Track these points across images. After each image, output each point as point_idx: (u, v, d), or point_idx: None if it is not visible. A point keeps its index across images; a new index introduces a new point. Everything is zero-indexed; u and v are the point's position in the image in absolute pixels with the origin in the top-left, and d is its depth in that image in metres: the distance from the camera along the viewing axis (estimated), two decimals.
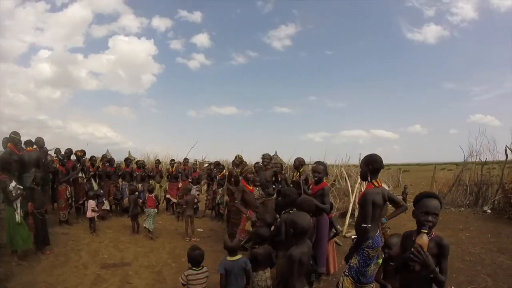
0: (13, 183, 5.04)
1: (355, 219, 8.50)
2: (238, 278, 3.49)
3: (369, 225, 3.20)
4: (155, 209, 7.45)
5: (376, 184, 3.36)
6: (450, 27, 51.56)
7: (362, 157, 3.70)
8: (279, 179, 6.83)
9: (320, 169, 4.71)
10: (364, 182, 4.65)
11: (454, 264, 5.46)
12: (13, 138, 6.44)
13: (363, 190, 8.46)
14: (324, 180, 4.84)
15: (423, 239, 2.33)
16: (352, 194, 8.67)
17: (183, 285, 3.61)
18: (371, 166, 3.37)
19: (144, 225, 7.24)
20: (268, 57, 59.52)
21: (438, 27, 52.28)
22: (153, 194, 7.70)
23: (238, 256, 3.58)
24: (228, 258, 3.56)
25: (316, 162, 5.15)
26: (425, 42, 52.83)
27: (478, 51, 60.54)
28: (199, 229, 7.83)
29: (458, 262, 5.62)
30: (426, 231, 2.35)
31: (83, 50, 53.93)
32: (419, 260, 2.25)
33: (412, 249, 2.31)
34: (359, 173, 7.40)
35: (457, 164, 14.92)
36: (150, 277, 5.05)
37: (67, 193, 7.80)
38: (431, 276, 2.29)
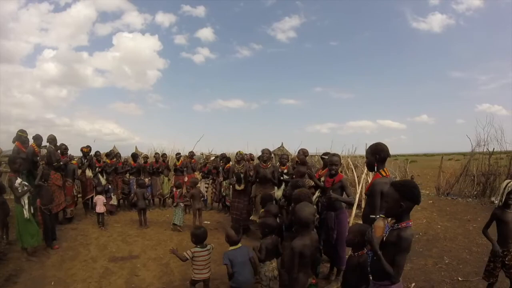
0: (19, 180, 5.09)
1: (362, 210, 8.56)
2: (244, 267, 3.61)
3: (378, 216, 3.18)
4: (182, 203, 7.57)
5: (384, 174, 3.30)
6: (456, 15, 50.62)
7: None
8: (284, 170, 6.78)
9: (337, 161, 4.51)
10: (371, 172, 4.54)
11: (461, 255, 5.43)
12: (20, 136, 6.50)
13: (369, 180, 8.52)
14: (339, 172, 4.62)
15: (379, 223, 2.43)
16: (359, 185, 8.63)
17: (186, 259, 3.84)
18: (378, 155, 3.31)
19: (174, 222, 7.35)
20: (273, 49, 59.15)
21: (443, 16, 51.42)
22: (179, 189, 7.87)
23: (239, 245, 3.75)
24: (230, 248, 3.72)
25: (332, 154, 4.89)
26: (431, 31, 51.99)
27: (484, 40, 59.41)
28: (206, 222, 7.86)
29: (466, 253, 5.56)
30: (383, 216, 2.44)
31: (88, 48, 54.05)
32: (367, 240, 2.42)
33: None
34: (365, 164, 7.34)
35: (464, 154, 14.74)
36: (157, 269, 5.09)
37: (74, 191, 7.95)
38: (374, 259, 2.39)
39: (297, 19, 54.97)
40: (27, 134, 6.68)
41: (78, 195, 8.58)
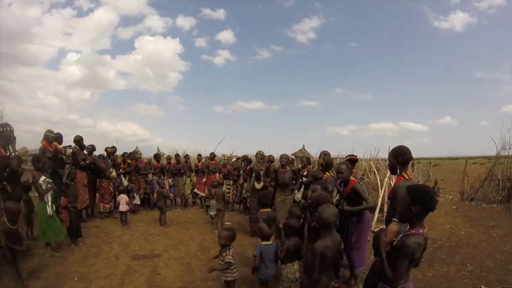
0: (43, 178, 5.17)
1: (384, 214, 8.30)
2: (269, 263, 3.82)
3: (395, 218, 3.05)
4: (214, 200, 7.55)
5: (407, 177, 3.24)
6: (478, 13, 49.11)
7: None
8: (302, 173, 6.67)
9: (343, 169, 4.29)
10: (394, 175, 4.35)
11: (484, 263, 5.19)
12: (47, 136, 6.63)
13: (392, 184, 8.25)
14: (351, 178, 4.37)
15: (393, 226, 2.42)
16: (381, 189, 8.42)
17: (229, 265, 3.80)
18: (400, 158, 3.26)
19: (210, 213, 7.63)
20: (292, 51, 59.02)
21: (465, 14, 50.01)
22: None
23: (270, 242, 3.92)
24: (263, 243, 3.87)
25: (340, 162, 4.82)
26: (452, 30, 50.62)
27: (507, 38, 57.16)
28: (227, 223, 7.79)
29: (489, 260, 5.29)
30: (397, 220, 2.41)
31: (111, 52, 55.82)
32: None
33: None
34: (388, 167, 7.09)
35: (489, 157, 14.12)
36: (179, 268, 5.06)
37: (111, 188, 8.16)
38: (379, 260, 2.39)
39: (316, 20, 54.81)
40: (54, 134, 6.81)
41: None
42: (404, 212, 2.30)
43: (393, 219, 2.50)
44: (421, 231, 2.25)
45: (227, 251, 3.74)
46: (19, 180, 5.18)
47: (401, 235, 2.35)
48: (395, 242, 2.36)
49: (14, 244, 4.04)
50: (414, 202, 2.23)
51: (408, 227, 2.32)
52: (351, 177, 4.34)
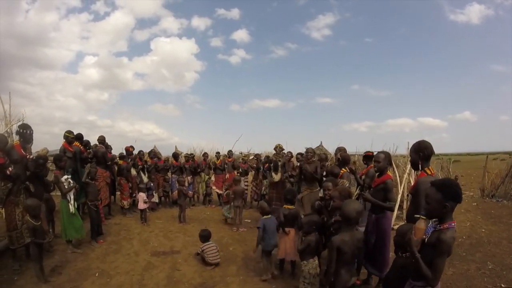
0: (65, 177, 5.27)
1: (403, 211, 8.14)
2: (274, 233, 4.64)
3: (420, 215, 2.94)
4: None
5: (429, 172, 3.16)
6: (494, 5, 47.46)
7: (410, 146, 3.41)
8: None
9: (381, 157, 4.05)
10: (415, 172, 4.19)
11: (505, 261, 5.04)
12: (67, 137, 6.77)
13: (411, 180, 8.05)
14: (388, 172, 4.17)
15: (420, 224, 2.39)
16: (401, 185, 8.28)
17: (198, 254, 5.16)
18: (422, 153, 3.21)
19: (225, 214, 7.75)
20: (308, 48, 58.69)
21: (481, 6, 48.50)
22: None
23: (270, 216, 4.78)
24: (265, 217, 4.75)
25: (379, 152, 4.54)
26: (469, 23, 49.16)
27: None
28: (246, 220, 7.78)
29: (510, 258, 5.13)
30: (424, 218, 2.38)
31: (128, 54, 57.07)
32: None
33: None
34: (409, 162, 6.90)
35: (510, 153, 13.61)
36: (198, 265, 5.07)
37: (129, 186, 8.26)
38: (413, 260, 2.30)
39: (331, 16, 54.26)
40: (73, 135, 6.95)
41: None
42: (436, 209, 2.25)
43: (420, 217, 2.44)
44: (453, 224, 2.22)
45: None
46: (41, 179, 5.27)
47: (428, 231, 2.32)
48: (426, 240, 2.32)
49: (39, 239, 4.12)
50: (447, 198, 2.19)
51: (437, 223, 2.28)
52: (388, 172, 4.18)
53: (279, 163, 7.03)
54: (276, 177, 6.92)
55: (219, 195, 10.00)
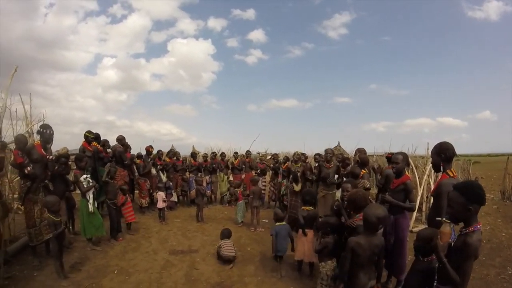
0: (83, 176, 5.33)
1: (422, 213, 7.95)
2: (285, 239, 4.79)
3: (443, 219, 2.81)
4: (243, 201, 7.70)
5: (451, 174, 3.13)
6: None
7: (430, 147, 3.32)
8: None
9: (399, 159, 4.02)
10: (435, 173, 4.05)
11: None
12: (87, 137, 6.88)
13: (431, 182, 7.81)
14: (406, 173, 4.14)
15: (446, 228, 2.35)
16: (420, 187, 8.06)
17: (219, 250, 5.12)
18: (443, 154, 3.18)
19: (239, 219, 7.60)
20: (324, 47, 57.98)
21: (499, 3, 46.69)
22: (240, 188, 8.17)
23: (284, 223, 4.99)
24: (278, 224, 4.92)
25: (397, 152, 4.56)
26: (488, 20, 47.53)
27: None
28: (264, 220, 7.70)
29: None
30: (448, 221, 2.33)
31: (145, 55, 57.97)
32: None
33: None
34: (428, 163, 6.70)
35: None
36: (216, 264, 5.03)
37: (147, 185, 8.33)
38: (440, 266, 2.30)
39: (347, 15, 53.48)
40: (93, 135, 7.05)
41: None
42: (461, 213, 2.21)
43: (444, 220, 2.38)
44: (478, 226, 2.20)
45: None
46: (62, 178, 5.35)
47: (453, 236, 2.34)
48: (452, 244, 2.31)
49: (60, 235, 4.18)
50: (471, 201, 2.16)
51: (463, 226, 2.26)
52: (406, 173, 4.14)
53: (298, 174, 6.94)
54: (297, 187, 6.84)
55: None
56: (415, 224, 7.14)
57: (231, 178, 10.22)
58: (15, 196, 6.06)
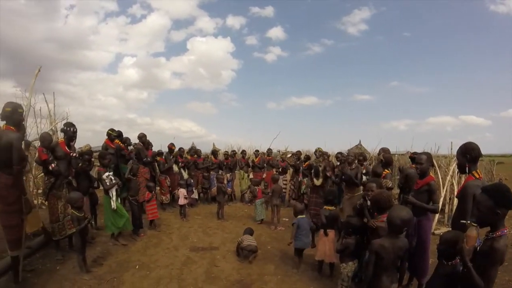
0: (106, 173, 5.41)
1: (445, 215, 7.69)
2: (308, 232, 4.71)
3: (469, 222, 2.77)
4: (261, 199, 7.66)
5: (477, 176, 3.05)
6: None
7: (454, 147, 3.20)
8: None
9: (423, 159, 3.91)
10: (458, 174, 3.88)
11: None
12: (109, 134, 6.98)
13: (454, 183, 7.51)
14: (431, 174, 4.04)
15: (472, 232, 2.37)
16: (443, 188, 7.76)
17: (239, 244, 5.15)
18: (469, 155, 3.10)
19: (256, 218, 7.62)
20: (344, 44, 56.83)
21: None
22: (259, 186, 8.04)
23: (304, 216, 4.90)
24: (299, 216, 4.83)
25: (421, 153, 4.46)
26: (511, 14, 45.04)
27: None
28: (284, 218, 7.61)
29: None
30: (475, 225, 2.30)
31: (165, 54, 58.59)
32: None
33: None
34: (451, 164, 6.43)
35: None
36: (236, 261, 4.99)
37: (167, 182, 8.43)
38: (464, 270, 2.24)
39: (366, 11, 52.23)
40: (115, 132, 7.15)
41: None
42: (488, 216, 2.15)
43: (471, 223, 2.38)
44: (505, 231, 2.15)
45: None
46: (85, 175, 5.46)
47: (479, 240, 2.27)
48: (478, 248, 2.25)
49: (83, 230, 4.25)
50: (499, 205, 2.10)
51: (489, 230, 2.20)
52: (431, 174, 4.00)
53: (320, 168, 6.87)
54: (317, 181, 6.76)
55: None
56: (437, 226, 6.92)
57: (251, 176, 10.19)
58: (39, 191, 6.24)
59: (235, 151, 11.49)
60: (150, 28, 50.03)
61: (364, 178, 6.07)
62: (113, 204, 5.32)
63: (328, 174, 6.91)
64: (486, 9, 46.25)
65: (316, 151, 9.14)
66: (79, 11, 46.72)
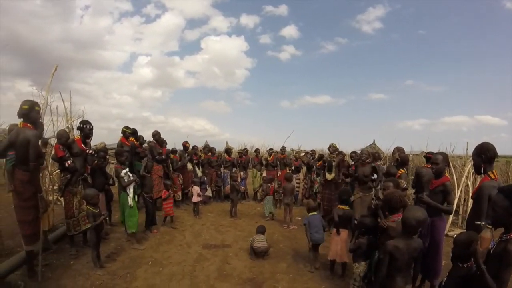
0: (124, 171, 5.45)
1: (459, 216, 7.55)
2: (319, 229, 4.71)
3: (483, 223, 2.74)
4: (271, 196, 7.77)
5: (492, 176, 3.03)
6: None
7: (470, 147, 3.11)
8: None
9: (439, 159, 3.83)
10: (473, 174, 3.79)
11: None
12: (125, 132, 7.06)
13: (469, 184, 7.31)
14: (446, 174, 3.93)
15: (486, 234, 2.31)
16: (458, 189, 7.55)
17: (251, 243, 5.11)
18: (484, 155, 3.09)
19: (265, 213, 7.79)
20: (358, 42, 55.80)
21: None
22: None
23: (315, 213, 4.97)
24: (310, 214, 4.90)
25: (437, 152, 4.39)
26: None
27: None
28: (297, 217, 7.56)
29: None
30: (490, 226, 2.28)
31: (179, 53, 58.82)
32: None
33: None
34: (467, 164, 6.27)
35: None
36: (248, 259, 4.99)
37: (180, 180, 8.48)
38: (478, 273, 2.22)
39: (381, 8, 50.97)
40: (131, 130, 7.22)
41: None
42: (504, 217, 2.13)
43: (486, 224, 2.34)
44: None
45: None
46: (101, 171, 5.53)
47: (493, 242, 2.25)
48: (492, 250, 2.23)
49: (98, 226, 4.30)
50: None
51: (503, 232, 2.18)
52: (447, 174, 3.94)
53: (333, 163, 6.83)
54: (330, 176, 6.71)
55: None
56: (451, 227, 6.79)
57: (264, 174, 10.16)
58: (55, 188, 6.35)
59: (247, 149, 11.45)
60: (164, 27, 50.56)
61: (374, 176, 6.02)
62: (130, 201, 5.36)
63: (343, 172, 6.86)
64: (503, 6, 44.80)
65: (330, 146, 9.06)
66: (94, 12, 47.59)
